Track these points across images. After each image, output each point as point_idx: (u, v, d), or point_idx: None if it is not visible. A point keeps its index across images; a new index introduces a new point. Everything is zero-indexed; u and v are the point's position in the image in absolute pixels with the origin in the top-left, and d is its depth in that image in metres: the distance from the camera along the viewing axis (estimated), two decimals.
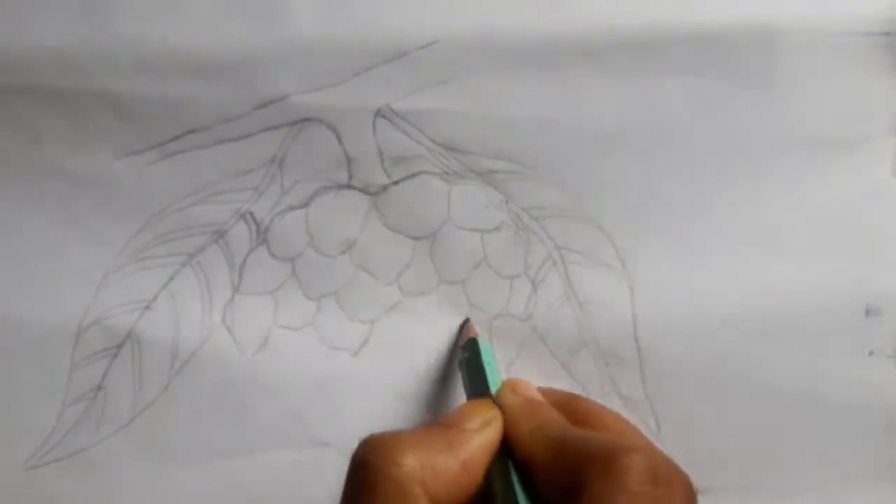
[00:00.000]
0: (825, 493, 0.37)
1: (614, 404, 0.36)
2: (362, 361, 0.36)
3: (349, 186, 0.35)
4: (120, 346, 0.35)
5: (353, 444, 0.35)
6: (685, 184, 0.36)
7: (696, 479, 0.36)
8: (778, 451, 0.36)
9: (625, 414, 0.36)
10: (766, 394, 0.36)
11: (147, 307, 0.35)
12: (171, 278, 0.35)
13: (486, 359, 0.32)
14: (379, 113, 0.35)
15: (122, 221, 0.35)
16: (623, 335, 0.36)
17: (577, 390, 0.36)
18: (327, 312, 0.36)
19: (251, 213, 0.35)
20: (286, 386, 0.36)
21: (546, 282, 0.36)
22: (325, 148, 0.35)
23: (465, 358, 0.33)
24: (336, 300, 0.36)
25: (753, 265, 0.36)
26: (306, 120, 0.35)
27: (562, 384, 0.36)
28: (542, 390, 0.32)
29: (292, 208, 0.35)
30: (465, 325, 0.36)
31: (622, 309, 0.36)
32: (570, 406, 0.32)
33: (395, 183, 0.35)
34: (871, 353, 0.36)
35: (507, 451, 0.28)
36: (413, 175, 0.35)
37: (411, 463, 0.25)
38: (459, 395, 0.36)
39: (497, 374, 0.32)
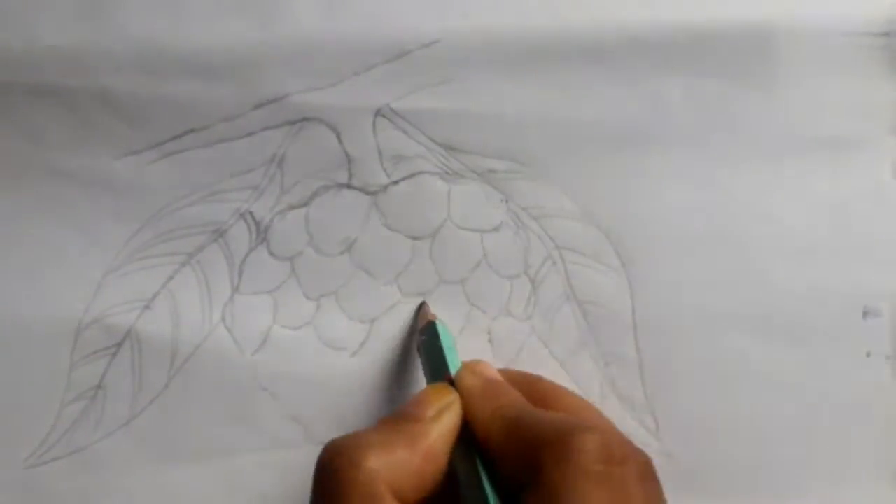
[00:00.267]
0: (824, 493, 0.37)
1: (614, 404, 0.36)
2: (362, 361, 0.36)
3: (349, 186, 0.35)
4: (119, 346, 0.35)
5: None
6: (685, 184, 0.36)
7: (696, 479, 0.36)
8: (777, 452, 0.37)
9: (625, 414, 0.36)
10: (766, 394, 0.36)
11: (146, 306, 0.35)
12: (171, 278, 0.35)
13: (445, 342, 0.32)
14: (379, 112, 0.35)
15: (122, 220, 0.35)
16: (623, 335, 0.36)
17: (576, 391, 0.36)
18: (327, 312, 0.36)
19: (251, 213, 0.35)
20: (286, 385, 0.36)
21: (546, 282, 0.36)
22: (325, 147, 0.35)
23: (422, 341, 0.33)
24: (336, 300, 0.36)
25: (753, 265, 0.36)
26: (306, 119, 0.35)
27: (561, 384, 0.36)
28: (503, 372, 0.32)
29: (292, 208, 0.35)
30: (420, 308, 0.36)
31: (622, 309, 0.36)
32: (531, 387, 0.32)
33: (395, 182, 0.35)
34: (868, 354, 0.36)
35: (468, 435, 0.28)
36: (413, 175, 0.35)
37: (373, 464, 0.25)
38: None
39: (456, 356, 0.32)
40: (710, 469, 0.36)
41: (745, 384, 0.36)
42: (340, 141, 0.35)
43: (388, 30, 0.34)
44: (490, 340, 0.36)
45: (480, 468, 0.27)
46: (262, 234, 0.35)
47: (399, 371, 0.36)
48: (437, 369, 0.31)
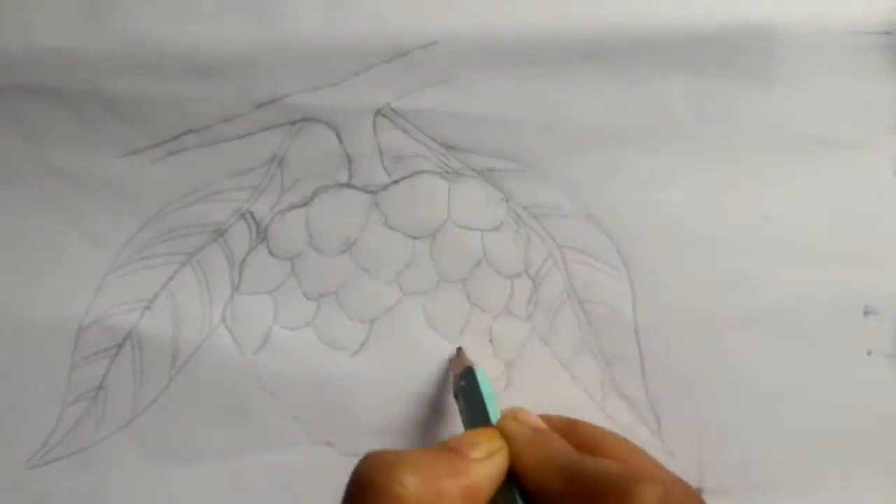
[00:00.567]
0: (825, 493, 0.37)
1: (615, 404, 0.36)
2: (362, 361, 0.36)
3: (349, 185, 0.35)
4: (120, 346, 0.35)
5: (354, 444, 0.36)
6: (685, 183, 0.36)
7: (697, 478, 0.36)
8: (777, 451, 0.37)
9: (626, 413, 0.36)
10: (766, 393, 0.36)
11: (147, 307, 0.35)
12: (171, 278, 0.35)
13: (485, 388, 0.32)
14: (379, 112, 0.35)
15: (122, 221, 0.35)
16: (624, 334, 0.36)
17: (577, 390, 0.36)
18: (327, 312, 0.36)
19: (251, 213, 0.35)
20: (286, 385, 0.36)
21: (547, 281, 0.36)
22: (325, 147, 0.35)
23: (462, 387, 0.33)
24: (336, 299, 0.36)
25: (753, 265, 0.36)
26: (306, 119, 0.35)
27: (563, 384, 0.36)
28: (543, 417, 0.32)
29: (292, 207, 0.35)
30: (457, 353, 0.36)
31: (623, 308, 0.36)
32: (572, 432, 0.31)
33: (396, 182, 0.35)
34: (869, 353, 0.37)
35: (514, 482, 0.28)
36: (413, 174, 0.35)
37: (414, 484, 0.25)
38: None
39: (495, 403, 0.32)
40: (710, 468, 0.36)
41: (746, 383, 0.36)
42: (341, 141, 0.35)
43: (388, 30, 0.34)
44: (491, 340, 0.36)
45: None
46: (262, 233, 0.35)
47: (400, 371, 0.36)
48: (477, 415, 0.31)
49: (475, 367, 0.33)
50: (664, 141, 0.35)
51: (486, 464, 0.27)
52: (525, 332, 0.36)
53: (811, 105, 0.35)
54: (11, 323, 0.35)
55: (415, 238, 0.36)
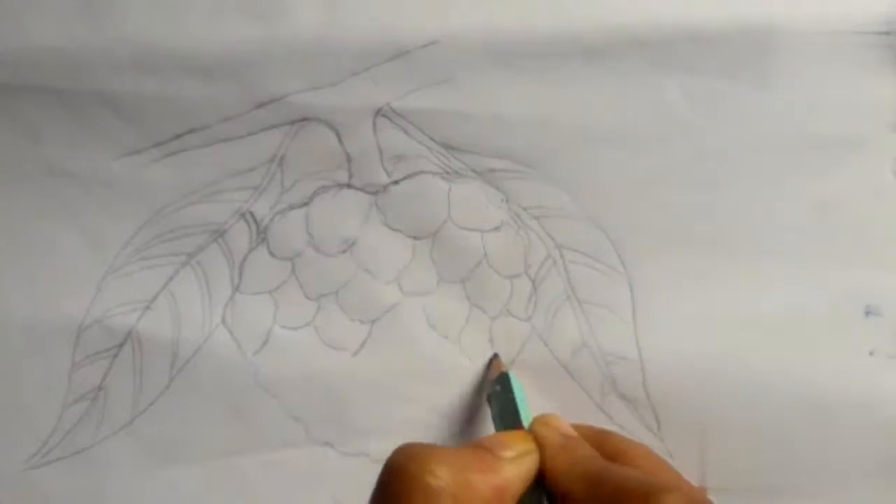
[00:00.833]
0: (825, 493, 0.37)
1: (615, 404, 0.36)
2: (362, 361, 0.36)
3: (349, 186, 0.35)
4: (120, 346, 0.35)
5: (354, 444, 0.36)
6: (685, 183, 0.36)
7: (697, 478, 0.36)
8: (778, 451, 0.36)
9: (626, 413, 0.36)
10: (766, 394, 0.36)
11: (147, 307, 0.35)
12: (171, 278, 0.35)
13: (518, 394, 0.33)
14: (379, 112, 0.35)
15: (122, 221, 0.35)
16: (624, 335, 0.36)
17: (577, 390, 0.36)
18: (327, 312, 0.36)
19: (251, 213, 0.35)
20: (286, 386, 0.36)
21: (546, 281, 0.36)
22: (325, 147, 0.35)
23: (496, 391, 0.33)
24: (336, 300, 0.36)
25: (753, 265, 0.36)
26: (306, 119, 0.35)
27: (562, 384, 0.36)
28: (574, 426, 0.32)
29: (292, 207, 0.35)
30: (493, 359, 0.36)
31: (623, 308, 0.36)
32: (602, 442, 0.32)
33: (396, 182, 0.35)
34: (871, 353, 0.36)
35: (542, 484, 0.29)
36: (413, 174, 0.35)
37: (446, 476, 0.26)
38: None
39: (527, 409, 0.32)
40: (711, 468, 0.36)
41: (745, 383, 0.36)
42: (341, 141, 0.35)
43: (389, 29, 0.34)
44: (491, 340, 0.36)
45: None
46: (262, 233, 0.35)
47: (400, 371, 0.36)
48: (509, 419, 0.32)
49: (510, 373, 0.34)
50: (664, 141, 0.35)
51: (516, 464, 0.28)
52: (525, 332, 0.36)
53: (811, 105, 0.35)
54: (11, 323, 0.35)
55: (415, 238, 0.36)
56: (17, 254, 0.35)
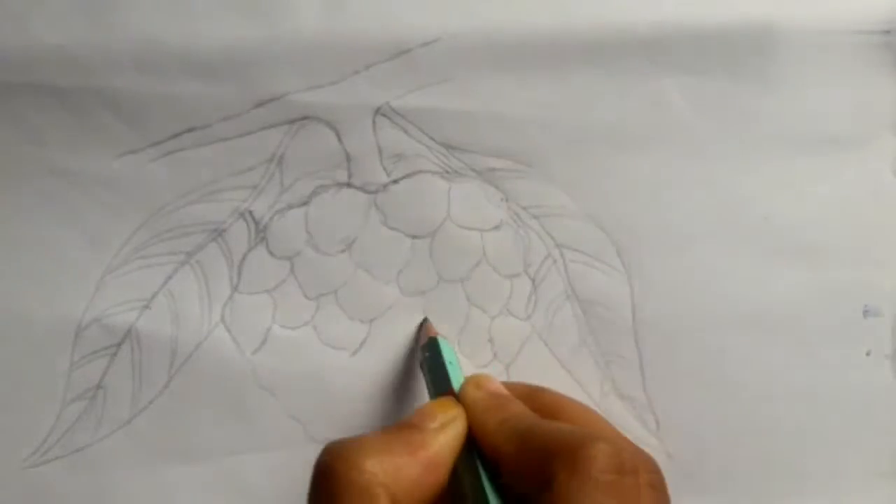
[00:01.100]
0: (824, 493, 0.37)
1: (614, 404, 0.36)
2: (362, 361, 0.36)
3: (349, 185, 0.35)
4: (119, 345, 0.35)
5: None
6: (685, 183, 0.36)
7: (697, 479, 0.36)
8: (777, 451, 0.37)
9: (625, 413, 0.36)
10: (765, 394, 0.36)
11: (146, 306, 0.35)
12: (170, 277, 0.35)
13: (448, 357, 0.32)
14: (379, 111, 0.35)
15: (121, 220, 0.35)
16: (623, 334, 0.36)
17: (577, 390, 0.36)
18: (326, 311, 0.36)
19: (250, 212, 0.35)
20: (285, 385, 0.36)
21: (546, 281, 0.36)
22: (324, 146, 0.35)
23: (426, 358, 0.33)
24: (335, 299, 0.36)
25: (753, 265, 0.36)
26: (306, 118, 0.34)
27: (562, 384, 0.36)
28: (506, 384, 0.32)
29: (291, 207, 0.35)
30: (422, 325, 0.36)
31: (622, 308, 0.36)
32: (535, 398, 0.32)
33: (395, 181, 0.35)
34: (868, 354, 0.37)
35: (474, 447, 0.28)
36: (413, 173, 0.35)
37: (373, 467, 0.26)
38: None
39: (459, 372, 0.32)
40: (710, 469, 0.36)
41: (745, 384, 0.36)
42: (340, 140, 0.35)
43: (389, 28, 0.34)
44: (490, 340, 0.36)
45: (486, 480, 0.27)
46: (261, 233, 0.35)
47: (399, 371, 0.36)
48: (441, 385, 0.31)
49: (438, 338, 0.33)
50: (664, 141, 0.35)
51: (443, 433, 0.28)
52: (524, 331, 0.36)
53: (811, 105, 0.35)
54: (10, 322, 0.35)
55: (414, 238, 0.36)
56: (16, 252, 0.35)
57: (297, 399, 0.36)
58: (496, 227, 0.36)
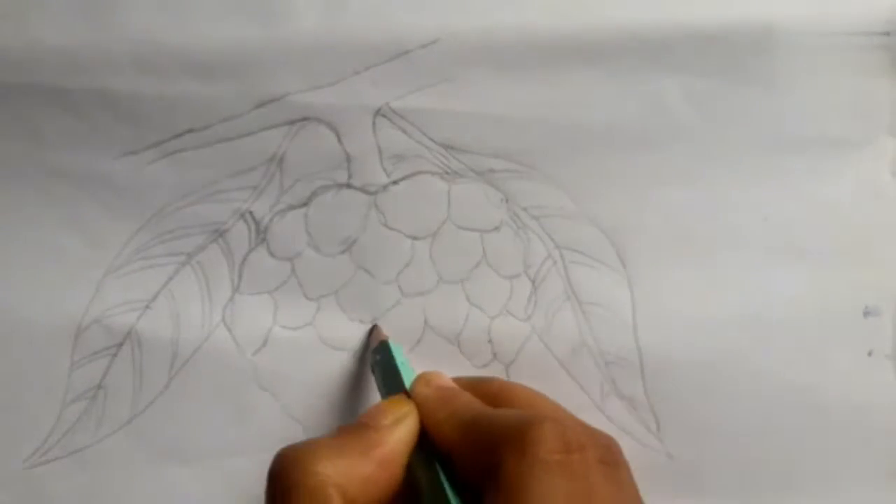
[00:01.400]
0: (825, 494, 0.37)
1: (615, 404, 0.36)
2: (362, 361, 0.36)
3: (349, 186, 0.35)
4: (120, 346, 0.35)
5: None
6: (685, 184, 0.36)
7: (697, 479, 0.36)
8: (777, 452, 0.37)
9: (626, 414, 0.36)
10: (766, 394, 0.36)
11: (147, 307, 0.35)
12: (171, 278, 0.35)
13: (399, 358, 0.33)
14: (379, 112, 0.35)
15: (122, 221, 0.35)
16: (623, 335, 0.36)
17: (576, 390, 0.36)
18: (327, 312, 0.36)
19: (250, 213, 0.35)
20: (286, 385, 0.36)
21: (546, 281, 0.36)
22: (324, 147, 0.35)
23: (377, 361, 0.33)
24: (336, 300, 0.36)
25: (753, 265, 0.36)
26: (306, 119, 0.35)
27: (562, 384, 0.36)
28: (457, 379, 0.32)
29: (292, 207, 0.35)
30: (372, 330, 0.36)
31: (622, 309, 0.36)
32: (485, 389, 0.32)
33: (395, 182, 0.35)
34: (869, 354, 0.36)
35: (426, 442, 0.29)
36: (413, 174, 0.35)
37: (326, 470, 0.26)
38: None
39: (411, 372, 0.32)
40: (710, 469, 0.36)
41: (745, 384, 0.36)
42: (340, 140, 0.35)
43: (388, 29, 0.34)
44: (490, 340, 0.36)
45: (441, 473, 0.27)
46: (261, 234, 0.35)
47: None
48: (392, 385, 0.31)
49: (389, 341, 0.34)
50: (664, 141, 0.35)
51: (395, 430, 0.28)
52: (524, 332, 0.36)
53: (811, 105, 0.35)
54: (11, 323, 0.35)
55: (414, 238, 0.36)
56: (16, 253, 0.35)
57: (298, 399, 0.36)
58: (496, 228, 0.36)
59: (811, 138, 0.35)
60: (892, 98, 0.35)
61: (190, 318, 0.35)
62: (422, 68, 0.34)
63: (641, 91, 0.35)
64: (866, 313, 0.36)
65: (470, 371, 0.36)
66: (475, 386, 0.32)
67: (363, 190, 0.35)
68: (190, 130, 0.34)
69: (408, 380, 0.31)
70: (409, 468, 0.28)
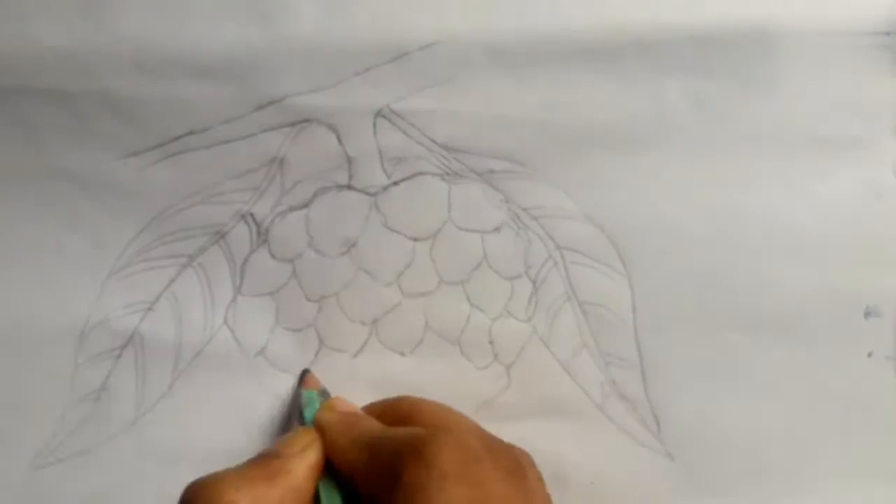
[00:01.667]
0: (825, 494, 0.37)
1: (615, 405, 0.36)
2: (362, 362, 0.36)
3: (349, 187, 0.35)
4: (123, 348, 0.35)
5: None
6: (685, 184, 0.36)
7: (697, 479, 0.36)
8: (777, 452, 0.37)
9: (626, 414, 0.36)
10: (766, 394, 0.36)
11: (149, 309, 0.35)
12: (173, 280, 0.36)
13: (311, 395, 0.34)
14: (379, 113, 0.35)
15: (123, 223, 0.35)
16: (624, 335, 0.36)
17: (577, 391, 0.36)
18: (328, 313, 0.36)
19: (251, 214, 0.35)
20: (288, 387, 0.36)
21: (547, 282, 0.36)
22: (325, 148, 0.35)
23: (298, 392, 0.35)
24: (337, 301, 0.36)
25: (753, 265, 0.36)
26: (306, 120, 0.35)
27: (562, 385, 0.36)
28: (368, 405, 0.33)
29: (292, 209, 0.35)
30: (304, 375, 0.36)
31: (623, 309, 0.36)
32: (393, 410, 0.33)
33: (396, 183, 0.35)
34: (870, 355, 0.36)
35: (332, 469, 0.29)
36: (413, 175, 0.35)
37: (232, 498, 0.26)
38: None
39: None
40: (711, 469, 0.36)
41: (746, 384, 0.36)
42: (340, 142, 0.35)
43: (388, 31, 0.34)
44: (491, 341, 0.36)
45: (339, 498, 0.29)
46: (262, 235, 0.35)
47: (399, 372, 0.36)
48: (302, 418, 0.33)
49: (314, 391, 0.34)
50: (664, 141, 0.35)
51: (301, 458, 0.29)
52: (525, 333, 0.36)
53: (811, 105, 0.35)
54: (14, 325, 0.35)
55: (415, 239, 0.36)
56: (18, 256, 0.35)
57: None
58: (497, 229, 0.36)
59: (811, 139, 0.35)
60: (893, 98, 0.35)
61: (192, 320, 0.36)
62: (422, 69, 0.34)
63: (641, 91, 0.35)
64: (867, 314, 0.36)
65: (471, 372, 0.36)
66: (385, 408, 0.33)
67: (364, 191, 0.35)
68: (191, 132, 0.34)
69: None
70: (317, 495, 0.29)
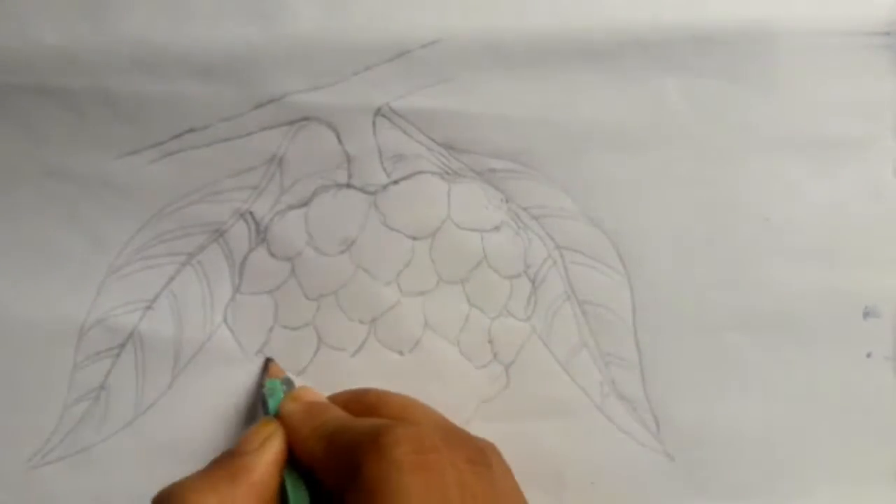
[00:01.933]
0: (825, 494, 0.37)
1: (614, 405, 0.36)
2: (362, 361, 0.36)
3: (349, 186, 0.35)
4: (122, 346, 0.35)
5: None
6: (685, 184, 0.36)
7: (697, 479, 0.36)
8: (776, 453, 0.37)
9: (626, 414, 0.36)
10: (766, 394, 0.36)
11: (149, 307, 0.35)
12: (172, 278, 0.35)
13: (274, 384, 0.34)
14: (379, 112, 0.35)
15: (123, 221, 0.35)
16: (623, 335, 0.36)
17: (576, 391, 0.36)
18: (327, 312, 0.36)
19: (251, 213, 0.35)
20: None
21: (546, 282, 0.36)
22: (324, 147, 0.35)
23: (263, 384, 0.34)
24: (336, 300, 0.36)
25: (753, 265, 0.36)
26: (306, 119, 0.35)
27: (562, 384, 0.36)
28: (333, 395, 0.33)
29: (292, 207, 0.35)
30: (267, 364, 0.36)
31: (622, 309, 0.36)
32: (358, 401, 0.33)
33: (395, 182, 0.35)
34: (868, 355, 0.37)
35: (294, 459, 0.30)
36: (413, 174, 0.35)
37: (199, 502, 0.27)
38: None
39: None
40: (710, 469, 0.36)
41: (745, 384, 0.36)
42: (340, 141, 0.35)
43: (388, 29, 0.34)
44: (490, 341, 0.36)
45: (304, 489, 0.29)
46: (261, 234, 0.35)
47: (399, 371, 0.36)
48: (267, 408, 0.33)
49: (277, 381, 0.34)
50: (664, 141, 0.35)
51: (262, 453, 0.29)
52: (524, 332, 0.36)
53: (811, 105, 0.35)
54: (13, 323, 0.35)
55: (414, 238, 0.36)
56: (18, 254, 0.35)
57: None
58: (496, 228, 0.36)
59: (811, 139, 0.35)
60: (893, 98, 0.35)
61: (191, 319, 0.36)
62: (422, 68, 0.34)
63: (641, 91, 0.35)
64: (866, 314, 0.36)
65: (470, 372, 0.36)
66: (351, 398, 0.33)
67: (363, 190, 0.35)
68: (190, 130, 0.34)
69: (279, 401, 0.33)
70: (282, 488, 0.29)
